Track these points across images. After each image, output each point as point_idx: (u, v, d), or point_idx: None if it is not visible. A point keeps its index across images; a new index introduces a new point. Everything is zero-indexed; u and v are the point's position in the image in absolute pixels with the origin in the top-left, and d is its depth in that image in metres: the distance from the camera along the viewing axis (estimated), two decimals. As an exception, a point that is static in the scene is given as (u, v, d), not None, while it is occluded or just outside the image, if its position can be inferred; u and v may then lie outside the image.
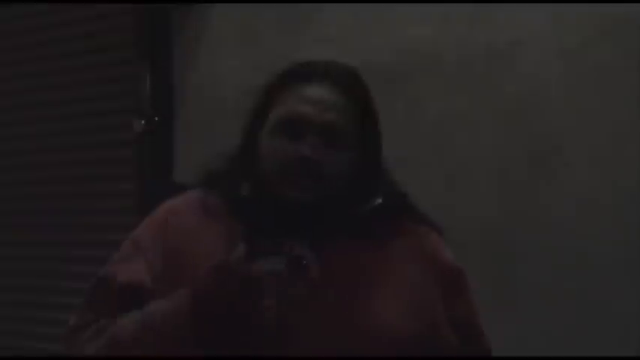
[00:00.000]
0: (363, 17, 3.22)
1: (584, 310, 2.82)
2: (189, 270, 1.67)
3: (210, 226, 1.73)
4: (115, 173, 3.85)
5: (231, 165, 1.79)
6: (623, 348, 2.74)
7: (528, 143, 2.94)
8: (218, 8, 3.54)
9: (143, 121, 3.68)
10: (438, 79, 3.09)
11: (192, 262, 1.68)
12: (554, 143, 2.91)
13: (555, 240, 2.88)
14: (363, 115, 1.73)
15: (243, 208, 1.72)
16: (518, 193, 2.95)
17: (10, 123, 4.22)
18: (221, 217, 1.74)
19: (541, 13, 2.94)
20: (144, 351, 1.60)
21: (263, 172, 1.69)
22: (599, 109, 2.86)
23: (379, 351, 1.64)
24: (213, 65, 3.56)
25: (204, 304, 1.56)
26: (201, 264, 1.66)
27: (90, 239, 3.88)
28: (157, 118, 3.67)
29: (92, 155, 3.90)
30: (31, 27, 4.12)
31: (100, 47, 3.85)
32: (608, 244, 2.80)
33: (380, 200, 1.73)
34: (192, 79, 3.62)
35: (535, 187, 2.93)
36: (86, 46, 3.89)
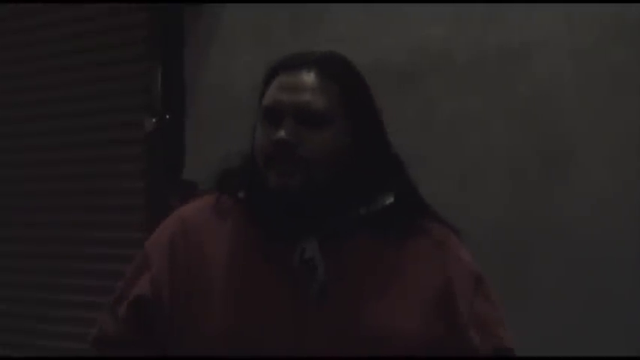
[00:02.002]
0: (376, 17, 3.22)
1: (596, 310, 2.82)
2: (204, 275, 1.68)
3: (223, 229, 1.73)
4: (126, 171, 3.86)
5: (242, 164, 1.78)
6: (635, 347, 2.73)
7: (541, 143, 2.94)
8: (230, 8, 3.55)
9: (154, 119, 3.68)
10: (450, 79, 3.09)
11: (207, 267, 1.69)
12: (567, 143, 2.90)
13: (568, 240, 2.87)
14: (344, 92, 1.71)
15: (253, 208, 1.72)
16: (530, 193, 2.95)
17: (21, 120, 4.23)
18: (234, 219, 1.74)
19: (554, 14, 2.94)
20: None
21: (257, 166, 1.70)
22: (611, 110, 2.86)
23: (390, 354, 1.63)
24: (224, 64, 3.56)
25: None
26: (216, 268, 1.67)
27: (99, 237, 3.89)
28: (167, 117, 3.67)
29: (103, 153, 3.91)
30: (40, 24, 4.13)
31: (112, 44, 3.85)
32: (620, 244, 2.80)
33: (392, 199, 1.71)
34: (204, 78, 3.62)
35: (548, 187, 2.92)
36: (98, 43, 3.89)
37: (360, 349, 1.62)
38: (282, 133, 1.64)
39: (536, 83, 2.96)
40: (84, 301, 3.77)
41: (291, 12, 3.38)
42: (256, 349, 1.61)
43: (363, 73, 1.77)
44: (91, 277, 3.82)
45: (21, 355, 4.03)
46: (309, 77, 1.69)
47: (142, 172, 3.77)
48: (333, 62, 1.74)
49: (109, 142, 3.89)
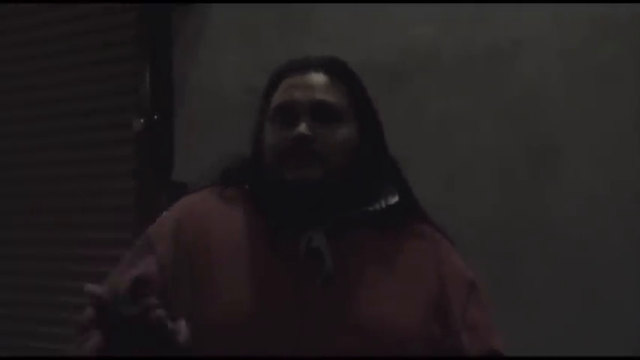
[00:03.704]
0: (363, 17, 3.21)
1: (586, 309, 2.82)
2: (209, 261, 1.70)
3: (229, 214, 1.77)
4: (115, 172, 3.84)
5: (243, 162, 1.83)
6: (627, 347, 2.73)
7: (529, 143, 2.94)
8: (218, 8, 3.54)
9: (142, 120, 3.67)
10: (438, 79, 3.09)
11: (212, 253, 1.72)
12: (556, 143, 2.91)
13: (557, 240, 2.88)
14: (351, 92, 1.79)
15: (259, 199, 1.76)
16: (519, 192, 2.95)
17: (9, 121, 4.21)
18: (240, 207, 1.78)
19: (542, 13, 2.94)
20: None
21: (267, 162, 1.75)
22: (600, 109, 2.86)
23: (388, 349, 1.66)
24: (213, 64, 3.56)
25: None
26: (221, 254, 1.70)
27: (89, 238, 3.87)
28: (156, 117, 3.66)
29: (92, 154, 3.89)
30: (31, 24, 4.11)
31: (100, 44, 3.84)
32: (609, 244, 2.80)
33: (397, 199, 1.76)
34: (193, 78, 3.61)
35: (536, 187, 2.93)
36: (87, 43, 3.88)
37: (361, 338, 1.64)
38: (301, 128, 1.70)
39: (525, 83, 2.96)
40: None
41: (279, 12, 3.38)
42: (259, 338, 1.63)
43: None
44: (85, 277, 3.79)
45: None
46: (319, 77, 1.77)
47: (131, 172, 3.76)
48: (337, 65, 1.82)
49: (98, 143, 3.87)
